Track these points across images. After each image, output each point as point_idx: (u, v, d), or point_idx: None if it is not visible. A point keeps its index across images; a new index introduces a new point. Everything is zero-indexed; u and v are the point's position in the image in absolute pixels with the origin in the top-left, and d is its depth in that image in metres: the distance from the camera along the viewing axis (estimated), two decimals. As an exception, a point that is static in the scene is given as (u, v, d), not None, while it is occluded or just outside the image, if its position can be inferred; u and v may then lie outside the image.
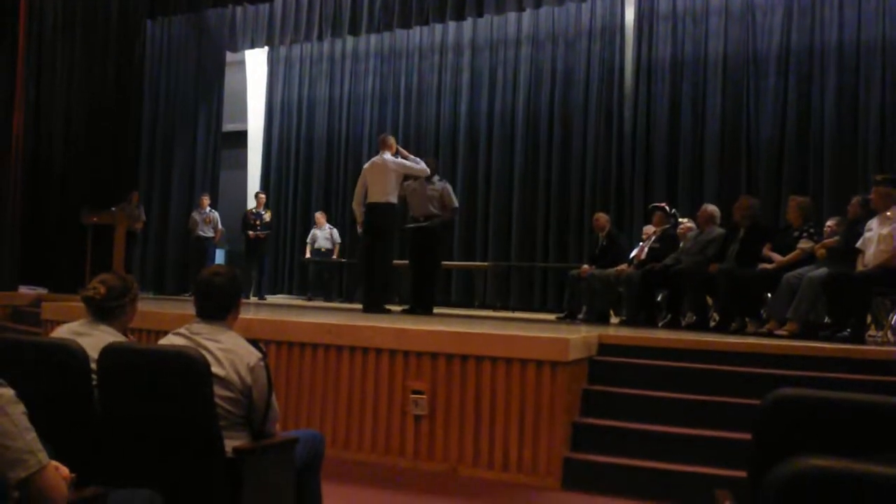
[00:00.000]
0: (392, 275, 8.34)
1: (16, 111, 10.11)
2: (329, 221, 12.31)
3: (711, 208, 7.47)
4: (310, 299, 11.83)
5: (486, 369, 4.72)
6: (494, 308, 10.69)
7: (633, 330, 6.34)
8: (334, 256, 11.82)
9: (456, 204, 7.92)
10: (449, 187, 7.91)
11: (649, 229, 8.28)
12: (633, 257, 7.88)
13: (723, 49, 10.18)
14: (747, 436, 4.24)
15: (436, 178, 7.89)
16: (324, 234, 11.85)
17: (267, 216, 11.51)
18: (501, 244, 11.45)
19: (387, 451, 4.97)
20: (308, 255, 11.93)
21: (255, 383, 2.78)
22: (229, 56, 12.98)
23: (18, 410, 1.81)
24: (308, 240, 12.03)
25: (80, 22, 10.72)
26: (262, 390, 2.81)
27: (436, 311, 7.83)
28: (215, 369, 2.68)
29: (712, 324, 6.82)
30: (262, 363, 2.82)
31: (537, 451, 4.57)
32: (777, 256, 6.34)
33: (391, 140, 7.80)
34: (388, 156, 7.62)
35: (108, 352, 2.69)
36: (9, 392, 1.80)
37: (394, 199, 7.54)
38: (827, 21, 9.66)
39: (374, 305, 7.46)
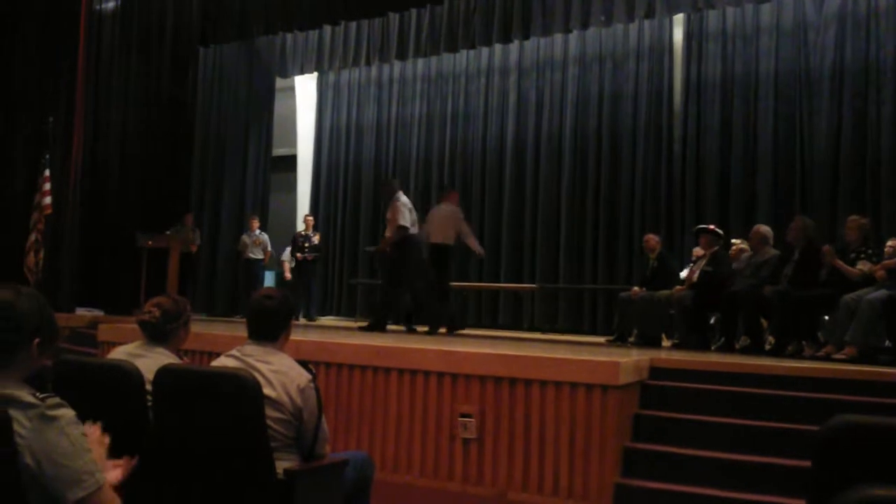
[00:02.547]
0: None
1: (75, 136, 10.42)
2: (375, 244, 12.38)
3: (764, 229, 7.34)
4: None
5: (535, 393, 4.68)
6: (543, 331, 10.61)
7: (686, 353, 6.22)
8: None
9: (400, 222, 7.95)
10: (398, 205, 8.02)
11: (699, 251, 8.16)
12: (685, 279, 7.75)
13: (774, 68, 10.02)
14: (805, 463, 4.12)
15: (394, 198, 8.16)
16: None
17: (316, 239, 11.62)
18: (549, 266, 11.38)
19: (435, 475, 4.94)
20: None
21: (306, 405, 2.80)
22: (279, 82, 13.22)
23: (78, 431, 1.85)
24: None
25: (136, 49, 11.05)
26: (313, 412, 2.83)
27: (484, 333, 7.85)
28: (266, 391, 2.70)
29: (767, 347, 6.67)
30: (312, 385, 2.84)
31: (588, 476, 4.50)
32: (842, 264, 6.18)
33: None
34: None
35: (163, 373, 2.73)
36: (70, 413, 1.85)
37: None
38: (883, 37, 9.45)
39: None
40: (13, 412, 1.76)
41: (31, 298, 1.93)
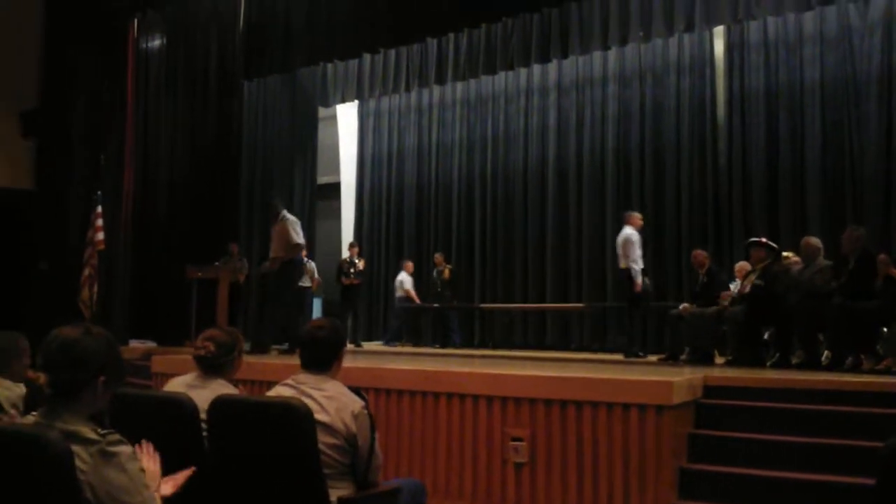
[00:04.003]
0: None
1: (125, 173, 10.70)
2: (419, 267, 12.52)
3: (814, 240, 7.18)
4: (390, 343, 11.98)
5: (587, 415, 4.62)
6: (591, 350, 10.49)
7: (740, 370, 6.10)
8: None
9: (295, 241, 7.80)
10: (289, 224, 7.86)
11: (744, 266, 7.99)
12: (738, 294, 7.60)
13: (819, 76, 9.84)
14: (867, 480, 4.01)
15: (280, 215, 7.99)
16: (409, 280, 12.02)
17: (360, 264, 11.69)
18: (596, 285, 11.27)
19: (488, 500, 4.90)
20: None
21: (360, 431, 2.81)
22: (321, 111, 13.41)
23: (136, 467, 1.88)
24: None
25: (182, 85, 11.33)
26: (366, 438, 2.84)
27: (532, 354, 7.76)
28: (321, 416, 2.73)
29: (824, 362, 6.50)
30: (365, 411, 2.86)
31: (644, 498, 4.43)
32: None
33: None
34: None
35: (218, 404, 2.77)
36: (128, 449, 1.88)
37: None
38: (931, 38, 9.23)
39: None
40: (75, 447, 1.80)
41: (98, 338, 2.00)
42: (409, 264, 12.22)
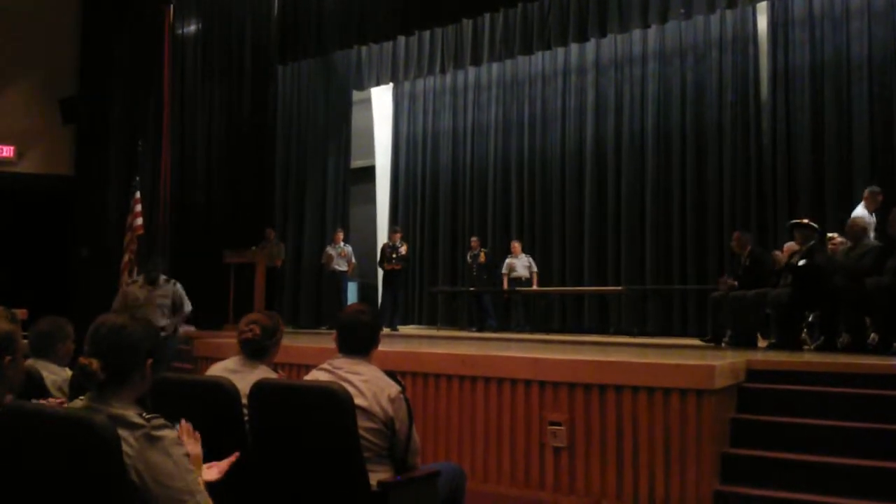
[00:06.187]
0: None
1: (163, 159, 10.81)
2: (454, 251, 12.40)
3: (862, 220, 7.01)
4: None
5: (627, 399, 4.57)
6: (631, 334, 10.39)
7: (784, 354, 5.99)
8: (534, 285, 11.38)
9: (190, 308, 7.43)
10: (181, 291, 7.40)
11: (791, 246, 7.82)
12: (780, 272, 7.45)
13: (867, 51, 9.56)
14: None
15: (162, 279, 7.43)
16: (521, 263, 11.52)
17: (403, 249, 11.66)
18: (635, 267, 11.14)
19: (526, 484, 4.88)
20: (505, 285, 11.42)
21: (397, 415, 2.82)
22: (356, 94, 13.40)
23: (180, 452, 1.90)
24: (504, 269, 11.58)
25: (217, 71, 11.40)
26: (404, 422, 2.84)
27: (570, 338, 7.70)
28: (358, 400, 2.73)
29: (871, 345, 6.35)
30: (401, 395, 2.86)
31: (685, 484, 4.37)
32: None
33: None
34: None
35: (258, 388, 2.78)
36: (173, 433, 1.90)
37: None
38: (984, 12, 8.92)
39: None
40: (121, 431, 1.83)
41: (144, 323, 2.07)
42: (517, 245, 11.65)
